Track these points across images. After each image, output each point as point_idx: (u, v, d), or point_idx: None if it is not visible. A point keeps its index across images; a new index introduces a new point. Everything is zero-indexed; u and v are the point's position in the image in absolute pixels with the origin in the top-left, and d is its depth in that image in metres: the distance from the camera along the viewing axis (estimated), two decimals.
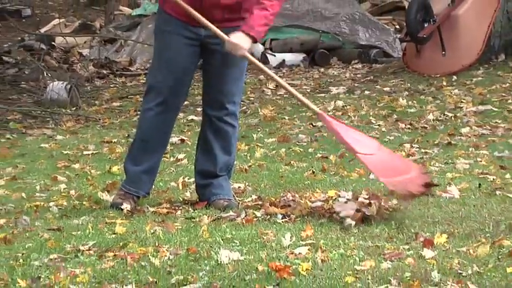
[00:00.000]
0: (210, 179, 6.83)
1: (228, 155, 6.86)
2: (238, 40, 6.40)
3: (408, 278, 5.20)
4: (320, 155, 8.72)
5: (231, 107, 6.77)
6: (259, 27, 6.51)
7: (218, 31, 6.44)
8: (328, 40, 13.92)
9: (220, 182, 6.84)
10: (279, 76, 12.95)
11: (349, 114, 10.64)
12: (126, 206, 6.64)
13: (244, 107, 11.20)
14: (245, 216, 6.49)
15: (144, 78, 11.91)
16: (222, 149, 6.80)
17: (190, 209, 6.69)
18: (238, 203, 6.85)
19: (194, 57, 6.71)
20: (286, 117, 10.46)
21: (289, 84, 12.21)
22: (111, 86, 11.65)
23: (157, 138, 6.79)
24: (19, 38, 15.37)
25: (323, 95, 11.80)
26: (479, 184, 7.52)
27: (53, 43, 14.65)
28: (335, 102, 11.24)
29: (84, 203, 6.89)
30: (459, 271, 5.32)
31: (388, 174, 6.66)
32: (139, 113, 10.89)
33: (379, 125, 10.16)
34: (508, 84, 11.71)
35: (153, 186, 7.52)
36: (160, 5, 6.75)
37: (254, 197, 6.82)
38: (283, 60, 13.86)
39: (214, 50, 6.64)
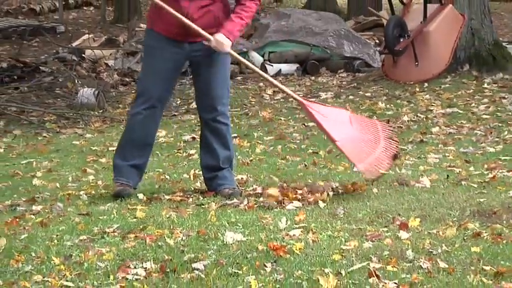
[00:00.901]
0: (215, 172, 6.82)
1: (227, 150, 6.86)
2: (222, 39, 6.44)
3: (386, 256, 5.20)
4: (311, 151, 8.71)
5: (221, 108, 6.77)
6: (236, 33, 6.62)
7: (204, 33, 6.45)
8: (318, 52, 13.88)
9: (225, 174, 6.83)
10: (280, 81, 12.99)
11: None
12: (127, 192, 6.68)
13: (246, 110, 11.19)
14: (247, 203, 6.48)
15: None
16: (221, 145, 6.80)
17: (200, 197, 6.69)
18: (241, 191, 6.85)
19: (178, 68, 6.78)
20: (282, 119, 10.44)
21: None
22: (133, 92, 11.60)
23: (145, 137, 6.78)
24: (54, 51, 15.31)
25: (314, 99, 11.74)
26: (447, 175, 7.52)
27: (83, 55, 14.61)
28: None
29: (109, 192, 6.87)
30: (430, 250, 5.33)
31: (361, 158, 6.77)
32: None
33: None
34: (471, 90, 11.70)
35: (169, 177, 7.52)
36: (149, 26, 6.75)
37: (255, 186, 6.79)
38: (280, 70, 13.84)
39: (199, 62, 6.68)
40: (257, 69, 7.43)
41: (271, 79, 7.26)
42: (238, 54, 6.99)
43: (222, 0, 6.60)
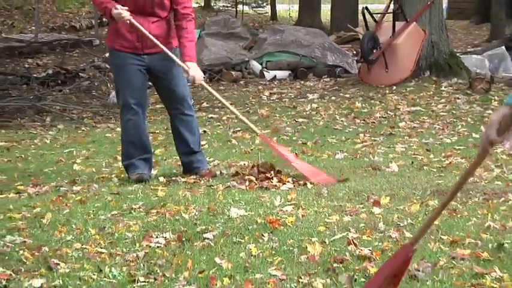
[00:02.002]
0: (190, 156, 6.85)
1: (194, 136, 6.84)
2: (197, 71, 6.54)
3: (362, 228, 5.20)
4: (301, 142, 8.69)
5: (186, 103, 6.77)
6: (194, 54, 6.61)
7: (180, 63, 6.50)
8: (306, 61, 13.83)
9: (198, 158, 6.89)
10: (273, 86, 12.95)
11: (320, 113, 10.60)
12: (145, 177, 6.68)
13: (248, 108, 11.16)
14: (248, 184, 6.46)
15: None
16: (189, 132, 6.80)
17: (209, 179, 6.67)
18: (215, 172, 6.92)
19: (145, 76, 6.67)
20: (277, 115, 10.42)
21: (278, 92, 12.22)
22: (154, 93, 11.54)
23: (140, 136, 6.75)
24: (91, 60, 15.28)
25: (303, 99, 11.74)
26: (412, 162, 7.52)
27: None
28: (311, 104, 11.19)
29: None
30: (398, 223, 5.32)
31: (312, 175, 6.69)
32: None
33: (342, 120, 10.13)
34: (431, 92, 11.68)
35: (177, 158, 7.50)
36: (110, 46, 6.68)
37: (255, 170, 6.77)
38: (275, 76, 13.81)
39: (159, 70, 6.62)
40: (224, 101, 7.37)
41: (236, 112, 7.33)
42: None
43: (164, 20, 6.56)
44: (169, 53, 6.45)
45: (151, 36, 6.36)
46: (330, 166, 7.33)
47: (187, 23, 6.55)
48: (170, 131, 7.15)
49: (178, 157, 7.09)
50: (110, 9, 6.24)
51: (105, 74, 13.58)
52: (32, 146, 8.82)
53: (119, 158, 7.80)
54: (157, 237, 5.05)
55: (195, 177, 6.81)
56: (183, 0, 6.55)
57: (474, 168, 3.00)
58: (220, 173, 6.98)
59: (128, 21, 6.27)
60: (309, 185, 6.45)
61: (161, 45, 6.39)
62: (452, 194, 3.29)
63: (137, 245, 4.91)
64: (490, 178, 6.88)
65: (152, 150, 7.05)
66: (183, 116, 6.76)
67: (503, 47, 14.08)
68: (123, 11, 6.23)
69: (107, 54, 15.85)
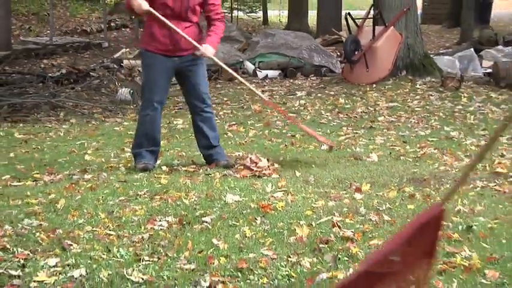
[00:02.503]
0: (210, 149, 6.81)
1: (214, 131, 6.83)
2: (208, 48, 6.46)
3: (345, 212, 5.20)
4: (290, 134, 8.68)
5: (207, 101, 6.76)
6: (216, 44, 6.59)
7: (196, 43, 6.42)
8: (295, 62, 13.81)
9: (217, 150, 6.84)
10: (264, 84, 12.93)
11: (308, 108, 10.60)
12: (150, 167, 6.65)
13: (242, 104, 11.15)
14: (243, 173, 6.46)
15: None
16: (210, 128, 6.78)
17: (207, 168, 6.66)
18: (232, 162, 6.84)
19: (171, 77, 6.70)
20: (269, 111, 10.40)
21: (269, 89, 12.22)
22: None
23: (154, 130, 6.73)
24: (100, 61, 15.24)
25: (292, 96, 11.73)
26: (390, 152, 7.53)
27: (122, 64, 14.55)
28: (299, 101, 11.19)
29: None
30: (377, 207, 5.33)
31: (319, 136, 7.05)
32: (177, 108, 10.95)
33: (327, 115, 10.12)
34: (407, 90, 11.69)
35: (184, 154, 7.49)
36: (144, 47, 6.64)
37: (249, 161, 6.76)
38: (267, 75, 13.78)
39: (187, 71, 6.62)
40: (234, 74, 7.49)
41: (242, 79, 7.45)
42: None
43: (195, 27, 6.55)
44: (192, 41, 6.41)
45: (179, 31, 6.33)
46: (316, 156, 7.34)
47: (218, 23, 6.61)
48: (172, 125, 7.17)
49: (179, 148, 7.08)
50: (128, 2, 6.26)
51: (113, 73, 13.58)
52: (47, 138, 8.80)
53: (126, 149, 7.80)
54: (160, 220, 5.04)
55: (194, 166, 6.81)
56: (214, 8, 6.55)
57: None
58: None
59: (145, 9, 6.24)
60: (297, 173, 6.46)
61: (186, 36, 6.37)
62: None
63: (142, 227, 4.91)
64: (460, 167, 6.89)
65: (160, 144, 7.03)
66: (203, 113, 6.74)
67: (472, 49, 14.11)
68: (142, 1, 6.21)
69: (115, 55, 15.90)
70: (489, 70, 12.75)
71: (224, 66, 7.38)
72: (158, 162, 6.85)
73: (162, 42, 6.43)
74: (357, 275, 2.62)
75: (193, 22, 6.52)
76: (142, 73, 7.02)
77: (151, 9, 6.28)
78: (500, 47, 14.49)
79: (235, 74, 7.51)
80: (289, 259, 4.28)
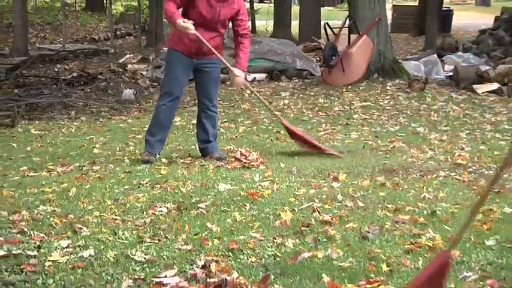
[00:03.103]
0: (207, 143, 6.79)
1: (214, 129, 6.82)
2: (241, 75, 6.59)
3: (324, 198, 5.23)
4: (275, 131, 8.66)
5: (214, 102, 6.76)
6: (246, 64, 6.66)
7: (230, 67, 6.57)
8: (279, 66, 13.78)
9: (213, 145, 6.81)
10: (252, 86, 12.91)
11: (291, 107, 10.58)
12: (152, 160, 6.61)
13: (233, 104, 11.12)
14: (234, 165, 6.44)
15: None
16: (211, 125, 6.76)
17: (202, 160, 6.64)
18: (225, 155, 6.79)
19: (189, 75, 6.68)
20: (256, 109, 10.40)
21: (257, 90, 12.10)
22: (158, 92, 11.51)
23: (167, 120, 6.72)
24: (107, 65, 15.19)
25: (277, 96, 11.71)
26: (363, 146, 7.54)
27: (126, 68, 14.50)
28: (283, 101, 11.17)
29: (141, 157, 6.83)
30: (353, 194, 5.33)
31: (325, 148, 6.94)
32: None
33: (308, 113, 10.11)
34: (379, 91, 11.70)
35: (182, 148, 7.47)
36: (171, 46, 6.63)
37: (239, 154, 6.75)
38: (255, 78, 13.74)
39: (202, 71, 6.61)
40: (259, 96, 7.50)
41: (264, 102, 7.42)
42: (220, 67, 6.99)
43: (221, 37, 6.57)
44: (223, 60, 6.56)
45: (209, 45, 6.35)
46: (298, 150, 7.33)
47: (245, 40, 6.58)
48: (173, 123, 7.14)
49: (177, 143, 7.06)
50: (175, 19, 6.18)
51: (118, 76, 13.59)
52: (60, 134, 8.77)
53: (130, 143, 7.79)
54: (160, 206, 5.03)
55: (190, 158, 6.78)
56: (243, 23, 6.54)
57: None
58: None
59: (191, 33, 6.22)
60: (282, 165, 6.45)
61: (218, 55, 6.46)
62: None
63: (144, 213, 4.90)
64: (425, 159, 6.91)
65: (171, 127, 7.05)
66: (208, 111, 6.72)
67: (435, 55, 14.14)
68: (189, 25, 6.18)
69: (121, 60, 15.86)
70: (450, 73, 12.77)
71: (250, 88, 7.30)
72: (158, 156, 6.82)
73: (188, 45, 6.39)
74: None
75: (220, 33, 6.53)
76: (164, 68, 6.98)
77: (198, 34, 6.25)
78: (459, 53, 14.53)
79: (257, 95, 7.47)
80: (275, 240, 4.27)
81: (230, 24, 6.61)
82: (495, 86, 11.49)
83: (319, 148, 7.05)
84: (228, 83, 11.72)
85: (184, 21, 6.18)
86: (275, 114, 7.84)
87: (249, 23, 7.36)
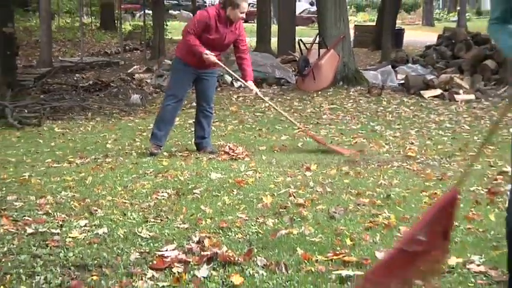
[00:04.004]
0: (202, 139, 6.77)
1: (209, 127, 6.81)
2: (254, 86, 6.68)
3: (299, 185, 5.23)
4: (258, 128, 8.67)
5: (211, 104, 6.75)
6: (252, 74, 6.71)
7: (242, 81, 6.73)
8: (261, 75, 13.68)
9: (207, 141, 6.79)
10: (239, 92, 12.87)
11: (271, 109, 10.49)
12: (158, 152, 6.59)
13: (223, 106, 11.07)
14: (223, 157, 6.44)
15: None
16: (207, 124, 6.74)
17: (197, 153, 6.63)
18: (217, 150, 6.76)
19: (192, 81, 6.62)
20: (242, 111, 10.37)
21: (242, 95, 12.09)
22: (161, 97, 11.47)
23: (171, 118, 6.72)
24: (118, 75, 15.10)
25: (259, 100, 11.65)
26: (331, 141, 7.53)
27: (134, 77, 14.43)
28: (264, 104, 11.14)
29: (147, 151, 6.79)
30: (322, 181, 5.35)
31: (342, 151, 6.77)
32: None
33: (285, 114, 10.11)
34: (343, 95, 11.69)
35: (180, 143, 7.44)
36: (180, 56, 6.57)
37: (227, 148, 6.75)
38: (241, 85, 13.69)
39: (203, 79, 6.60)
40: (272, 104, 7.51)
41: (279, 109, 7.38)
42: (218, 76, 7.01)
43: (222, 53, 6.66)
44: (234, 75, 6.92)
45: (222, 65, 6.59)
46: (277, 144, 7.33)
47: (246, 55, 6.58)
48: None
49: (176, 139, 7.05)
50: (202, 51, 6.22)
51: (127, 84, 13.53)
52: (79, 132, 8.72)
53: (137, 139, 7.77)
54: (162, 192, 5.02)
55: (187, 152, 6.76)
56: (243, 42, 6.55)
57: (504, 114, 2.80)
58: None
59: (213, 61, 6.31)
60: (263, 157, 6.45)
61: (230, 71, 6.97)
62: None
63: (149, 197, 4.88)
64: (381, 152, 6.93)
65: (174, 124, 7.04)
66: (206, 112, 6.70)
67: (390, 66, 14.15)
68: (212, 56, 6.24)
69: (129, 71, 15.76)
70: (402, 81, 12.79)
71: (261, 96, 7.20)
72: (159, 151, 6.77)
73: (196, 61, 6.37)
74: (392, 254, 2.57)
75: (223, 52, 6.66)
76: (171, 74, 6.97)
77: (219, 62, 6.40)
78: (409, 64, 14.54)
79: (266, 100, 7.46)
80: (258, 220, 4.27)
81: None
82: (438, 91, 11.57)
83: (333, 149, 6.89)
84: (218, 89, 11.67)
85: (207, 54, 6.25)
86: (292, 121, 7.75)
87: (247, 39, 7.35)
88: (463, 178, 2.77)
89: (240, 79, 6.71)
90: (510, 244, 2.70)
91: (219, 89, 11.57)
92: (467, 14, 28.87)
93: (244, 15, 6.35)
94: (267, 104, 10.84)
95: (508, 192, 2.65)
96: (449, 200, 2.58)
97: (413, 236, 2.47)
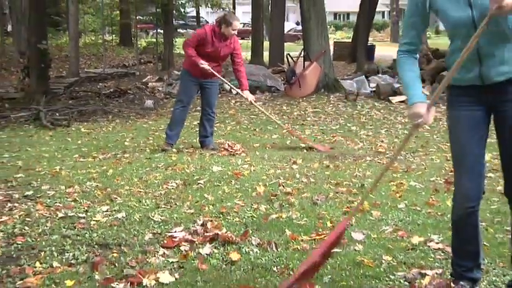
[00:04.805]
0: (205, 138, 6.74)
1: (211, 128, 6.77)
2: (250, 95, 6.62)
3: (287, 176, 5.21)
4: (253, 128, 8.64)
5: (213, 109, 6.71)
6: (247, 84, 6.62)
7: (239, 91, 6.63)
8: (255, 84, 13.64)
9: (209, 139, 6.76)
10: (236, 98, 12.85)
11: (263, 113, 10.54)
12: (168, 149, 6.56)
13: (223, 110, 11.04)
14: (223, 152, 6.43)
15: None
16: (209, 126, 6.71)
17: (201, 150, 6.61)
18: (218, 147, 6.72)
19: (197, 89, 6.60)
20: (239, 114, 10.33)
21: (239, 101, 12.04)
22: (171, 102, 11.43)
23: (181, 120, 6.66)
24: (134, 84, 15.05)
25: (252, 106, 11.67)
26: (314, 139, 7.50)
27: (147, 85, 14.38)
28: (255, 110, 11.12)
29: (159, 147, 6.76)
30: (306, 173, 5.35)
31: (321, 148, 6.68)
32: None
33: (275, 117, 10.05)
34: (325, 101, 11.65)
35: (186, 141, 7.40)
36: (187, 68, 6.53)
37: (227, 145, 6.74)
38: (237, 92, 13.65)
39: (206, 88, 6.57)
40: (263, 110, 7.42)
41: (267, 113, 7.37)
42: (218, 84, 6.96)
43: (221, 65, 6.57)
44: (230, 84, 6.78)
45: (217, 74, 6.44)
46: (268, 142, 7.31)
47: (241, 67, 6.51)
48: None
49: (183, 137, 7.03)
50: (197, 61, 6.22)
51: (142, 91, 13.50)
52: (101, 132, 8.68)
53: (150, 138, 7.73)
54: (171, 183, 5.00)
55: (192, 148, 6.73)
56: (238, 55, 6.50)
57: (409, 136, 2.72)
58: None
59: (207, 69, 6.28)
60: (257, 153, 6.43)
61: (225, 81, 6.77)
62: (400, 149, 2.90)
63: (160, 187, 4.87)
64: (356, 148, 6.93)
65: (183, 125, 6.95)
66: (209, 115, 6.67)
67: (363, 76, 14.13)
68: (206, 66, 6.23)
69: (143, 80, 15.70)
70: (374, 89, 12.79)
71: (257, 106, 7.19)
72: (173, 147, 6.75)
73: (198, 71, 6.35)
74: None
75: (220, 63, 6.54)
76: (180, 83, 6.87)
77: (211, 69, 6.30)
78: (380, 75, 14.54)
79: (259, 107, 7.28)
80: (252, 206, 4.27)
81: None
82: (404, 97, 11.54)
83: (312, 146, 6.82)
84: (219, 95, 11.66)
85: (202, 63, 6.25)
86: (279, 123, 7.70)
87: (244, 53, 7.31)
88: (377, 182, 2.82)
89: (236, 89, 6.66)
90: (455, 230, 2.69)
91: (219, 95, 11.52)
92: (428, 33, 28.95)
93: (236, 32, 6.34)
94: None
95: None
96: (341, 231, 2.72)
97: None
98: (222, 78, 6.64)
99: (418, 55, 2.66)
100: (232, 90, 6.16)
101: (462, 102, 2.54)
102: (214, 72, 6.38)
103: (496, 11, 2.22)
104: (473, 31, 2.36)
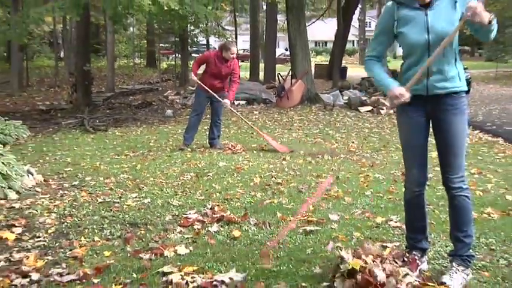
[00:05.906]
0: (213, 140, 6.70)
1: (219, 132, 6.72)
2: (227, 103, 6.41)
3: (277, 169, 5.17)
4: (251, 132, 8.58)
5: (220, 117, 6.65)
6: (233, 96, 6.46)
7: (220, 99, 6.40)
8: (252, 97, 13.62)
9: (217, 141, 6.71)
10: (238, 108, 12.81)
11: (259, 120, 10.45)
12: (184, 149, 6.52)
13: (227, 118, 11.01)
14: (228, 151, 6.40)
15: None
16: (217, 130, 6.67)
17: (210, 149, 6.59)
18: (223, 147, 6.68)
19: (208, 102, 6.54)
20: (240, 121, 10.31)
21: (240, 110, 12.01)
22: (186, 111, 11.40)
23: (196, 125, 6.61)
24: (158, 97, 15.00)
25: (251, 114, 11.61)
26: (299, 141, 7.47)
27: (168, 98, 14.34)
28: (254, 116, 11.06)
29: (177, 147, 6.73)
30: (293, 168, 5.30)
31: (279, 148, 6.50)
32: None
33: (269, 123, 9.99)
34: (307, 110, 11.62)
35: (199, 142, 7.34)
36: (200, 86, 6.45)
37: (230, 146, 6.71)
38: (239, 103, 13.61)
39: (213, 101, 6.52)
40: (243, 119, 7.32)
41: (249, 123, 7.28)
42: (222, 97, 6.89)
43: (223, 82, 6.47)
44: (217, 96, 6.36)
45: (209, 90, 6.33)
46: (263, 143, 7.28)
47: (235, 84, 6.39)
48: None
49: (196, 139, 6.99)
50: (193, 75, 6.26)
51: (163, 102, 13.46)
52: (132, 135, 8.63)
53: (170, 140, 7.67)
54: (186, 175, 4.98)
55: (203, 148, 6.68)
56: (235, 75, 6.41)
57: None
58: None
59: (195, 81, 6.26)
60: (254, 152, 6.40)
61: (215, 94, 6.35)
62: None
63: (178, 178, 4.85)
64: (333, 148, 6.89)
65: (197, 130, 6.84)
66: (216, 122, 6.63)
67: (338, 91, 14.12)
68: (194, 78, 6.23)
69: (165, 94, 15.62)
70: (346, 101, 12.79)
71: (235, 112, 7.15)
72: (188, 147, 6.70)
73: (208, 87, 6.34)
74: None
75: (223, 80, 6.45)
76: (194, 97, 6.81)
77: (199, 82, 6.28)
78: (351, 90, 14.55)
79: (239, 115, 7.23)
80: (250, 193, 4.26)
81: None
82: (370, 108, 11.58)
83: (275, 147, 6.82)
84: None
85: (192, 77, 6.30)
86: (250, 124, 7.67)
87: (243, 73, 7.27)
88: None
89: (219, 98, 6.42)
90: (407, 209, 2.69)
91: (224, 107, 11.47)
92: (388, 57, 29.09)
93: (234, 56, 6.32)
94: (256, 117, 10.82)
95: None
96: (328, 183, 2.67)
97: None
98: (210, 90, 6.36)
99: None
100: (219, 99, 6.05)
101: (408, 110, 2.52)
102: (200, 83, 6.33)
103: (471, 17, 2.19)
104: (426, 52, 2.38)
